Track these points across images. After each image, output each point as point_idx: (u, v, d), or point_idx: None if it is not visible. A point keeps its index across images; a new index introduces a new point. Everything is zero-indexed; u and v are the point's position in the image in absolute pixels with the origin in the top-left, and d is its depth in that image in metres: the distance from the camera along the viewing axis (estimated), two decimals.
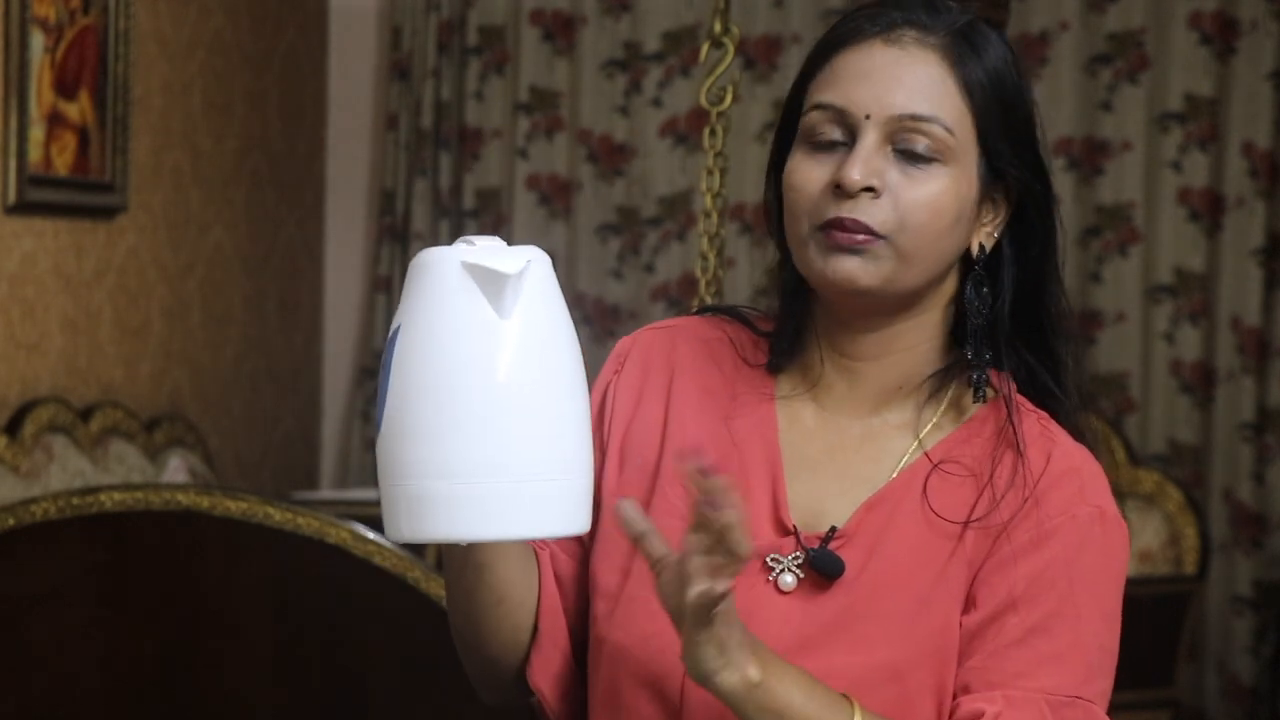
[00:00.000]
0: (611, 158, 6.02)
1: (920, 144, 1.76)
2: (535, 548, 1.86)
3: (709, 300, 3.21)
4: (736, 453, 1.83)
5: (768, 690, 1.66)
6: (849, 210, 1.75)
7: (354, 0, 6.18)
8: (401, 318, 1.62)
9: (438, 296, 1.60)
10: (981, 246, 1.82)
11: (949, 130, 1.77)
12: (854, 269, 1.75)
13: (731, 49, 3.07)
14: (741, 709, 1.66)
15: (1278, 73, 5.66)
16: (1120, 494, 5.12)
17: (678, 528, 1.80)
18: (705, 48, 3.11)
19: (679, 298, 5.88)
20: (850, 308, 1.80)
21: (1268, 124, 5.66)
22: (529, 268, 1.60)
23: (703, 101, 3.09)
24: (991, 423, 1.82)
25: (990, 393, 1.82)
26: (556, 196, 6.03)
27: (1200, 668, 5.69)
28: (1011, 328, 1.82)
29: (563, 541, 1.87)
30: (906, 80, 1.77)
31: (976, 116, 1.78)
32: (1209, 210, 5.71)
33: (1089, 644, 1.75)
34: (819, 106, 1.79)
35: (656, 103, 5.98)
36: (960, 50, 1.78)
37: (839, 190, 1.75)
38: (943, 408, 1.83)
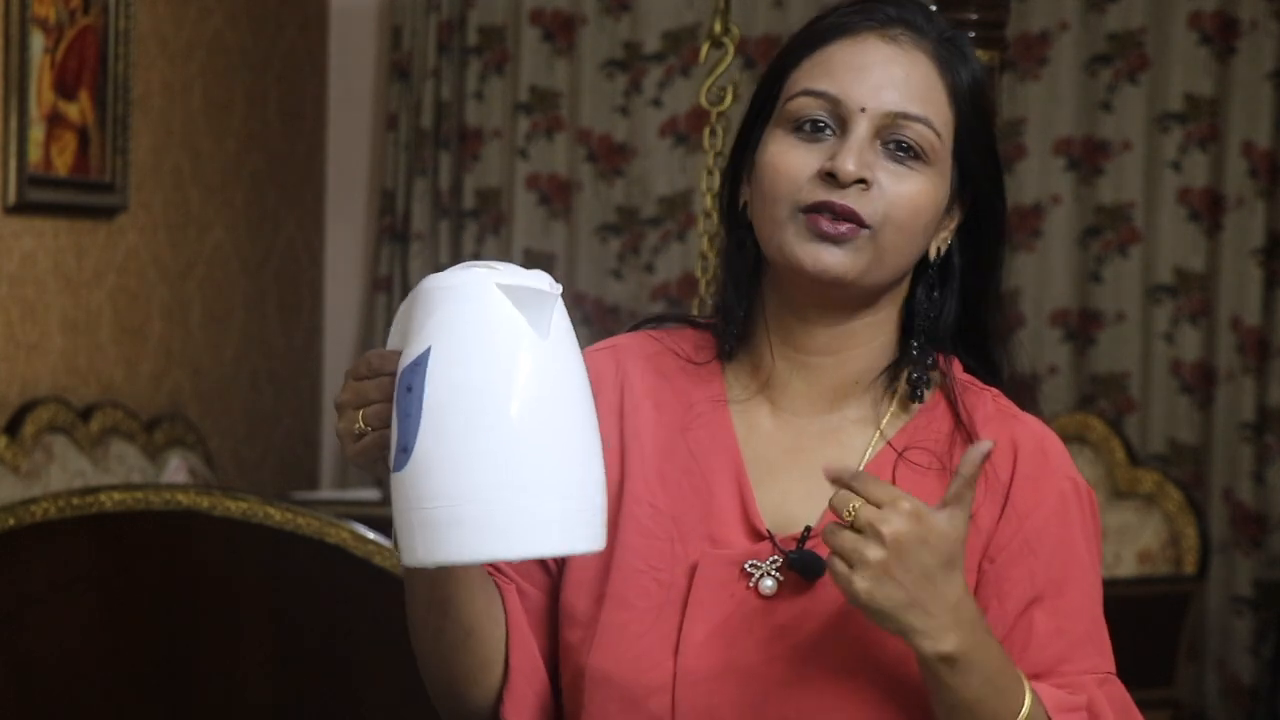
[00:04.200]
0: (611, 158, 6.02)
1: (909, 142, 1.77)
2: (500, 583, 1.85)
3: (709, 300, 3.21)
4: (697, 464, 1.83)
5: (955, 669, 1.65)
6: (840, 196, 1.75)
7: (354, 0, 6.18)
8: (430, 341, 1.60)
9: (479, 319, 1.60)
10: (938, 250, 1.83)
11: (936, 133, 1.78)
12: (832, 259, 1.76)
13: (731, 49, 3.06)
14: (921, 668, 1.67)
15: (1278, 73, 5.65)
16: (1120, 494, 5.12)
17: (645, 546, 1.80)
18: (705, 48, 3.11)
19: (679, 298, 5.87)
20: (812, 299, 1.80)
21: (1268, 124, 5.66)
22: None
23: (703, 101, 3.09)
24: (946, 406, 1.83)
25: (938, 378, 1.84)
26: (556, 196, 6.03)
27: (1200, 668, 5.69)
28: (955, 332, 1.84)
29: (528, 574, 1.86)
30: (902, 78, 1.78)
31: (958, 123, 1.80)
32: (1209, 210, 5.71)
33: (1099, 619, 1.79)
34: (809, 93, 1.79)
35: (656, 103, 5.98)
36: (950, 56, 1.81)
37: (830, 179, 1.76)
38: (898, 399, 1.84)
